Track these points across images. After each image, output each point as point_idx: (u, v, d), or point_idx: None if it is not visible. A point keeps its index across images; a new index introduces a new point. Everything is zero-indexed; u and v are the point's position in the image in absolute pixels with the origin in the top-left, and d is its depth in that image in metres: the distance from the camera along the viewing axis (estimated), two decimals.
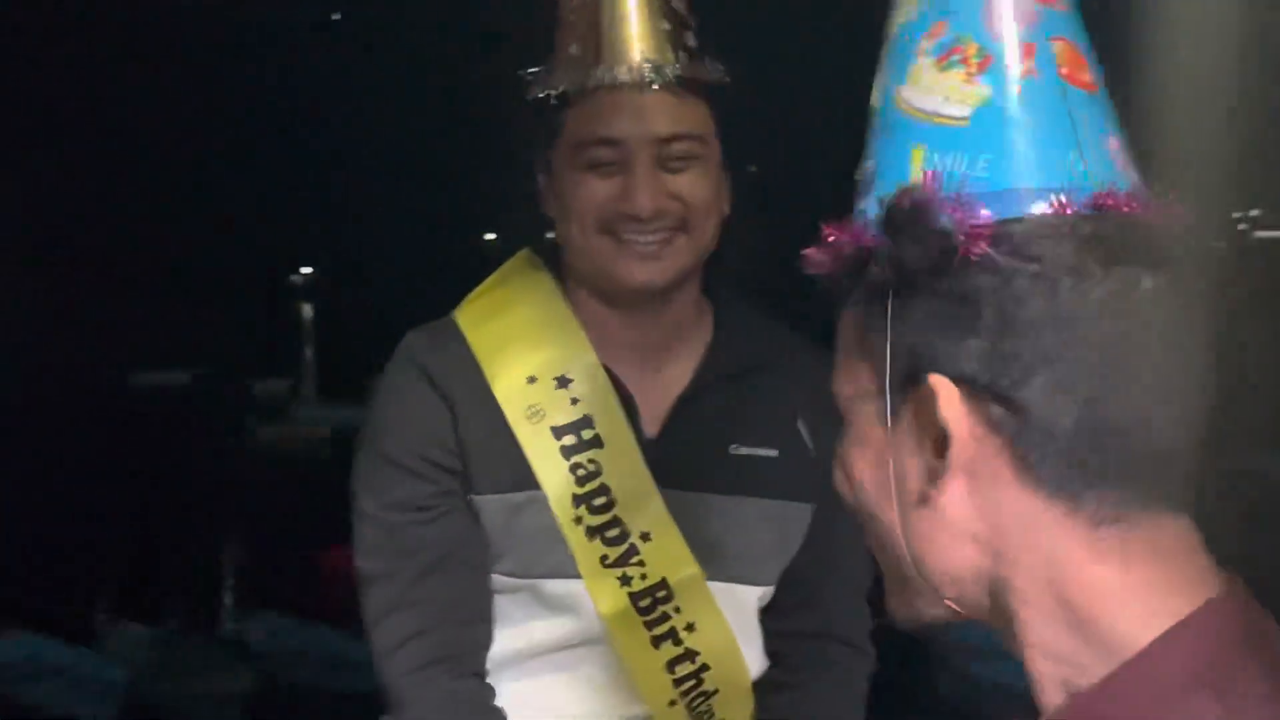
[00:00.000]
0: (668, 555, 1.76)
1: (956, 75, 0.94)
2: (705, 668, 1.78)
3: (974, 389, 0.87)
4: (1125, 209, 0.90)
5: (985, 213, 0.89)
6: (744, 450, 1.79)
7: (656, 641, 1.77)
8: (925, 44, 0.95)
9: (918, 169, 0.93)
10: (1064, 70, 0.95)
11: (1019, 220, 0.89)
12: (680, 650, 1.77)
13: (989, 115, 0.93)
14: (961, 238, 0.88)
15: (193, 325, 36.22)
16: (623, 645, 1.76)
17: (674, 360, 1.81)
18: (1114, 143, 0.95)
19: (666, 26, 1.71)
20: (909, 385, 0.90)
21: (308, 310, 52.24)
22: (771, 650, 1.87)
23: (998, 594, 0.91)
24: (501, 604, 1.79)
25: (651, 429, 1.79)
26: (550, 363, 1.78)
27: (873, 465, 0.93)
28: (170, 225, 50.18)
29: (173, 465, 19.37)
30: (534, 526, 1.75)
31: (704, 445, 1.78)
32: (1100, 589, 0.88)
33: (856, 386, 0.95)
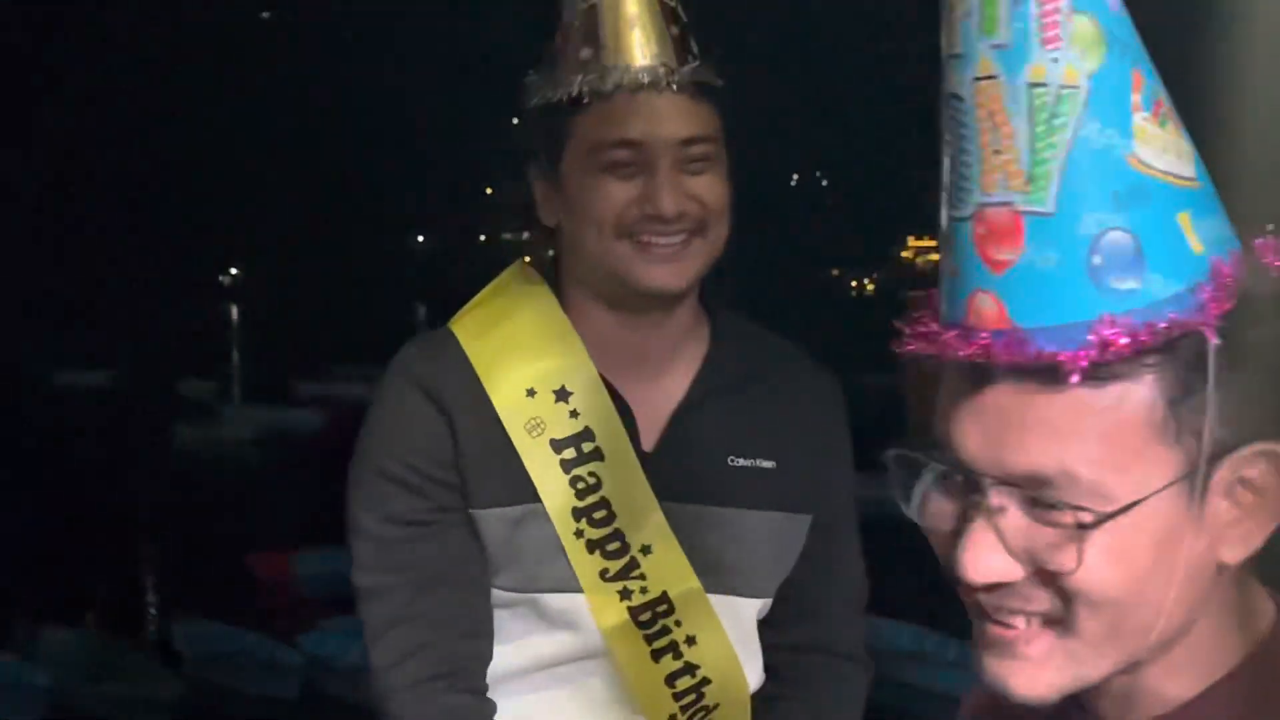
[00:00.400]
0: (668, 569, 1.75)
1: (1172, 131, 0.89)
2: (706, 681, 1.77)
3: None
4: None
5: None
6: (742, 462, 1.79)
7: (657, 655, 1.75)
8: (1135, 98, 0.87)
9: (1194, 239, 0.89)
10: None
11: None
12: (680, 664, 1.76)
13: (1202, 171, 0.90)
14: None
15: (118, 324, 35.71)
16: (623, 659, 1.75)
17: (671, 371, 1.80)
18: None
19: (675, 31, 1.70)
20: (1218, 459, 0.88)
21: (234, 311, 51.65)
22: (769, 663, 1.86)
23: (1176, 638, 0.92)
24: (501, 618, 1.78)
25: (650, 442, 1.78)
26: (550, 375, 1.76)
27: (1159, 550, 0.88)
28: (96, 223, 49.46)
29: (97, 466, 19.08)
30: (534, 540, 1.73)
31: (702, 457, 1.78)
32: (1231, 612, 0.91)
33: (1151, 479, 0.87)
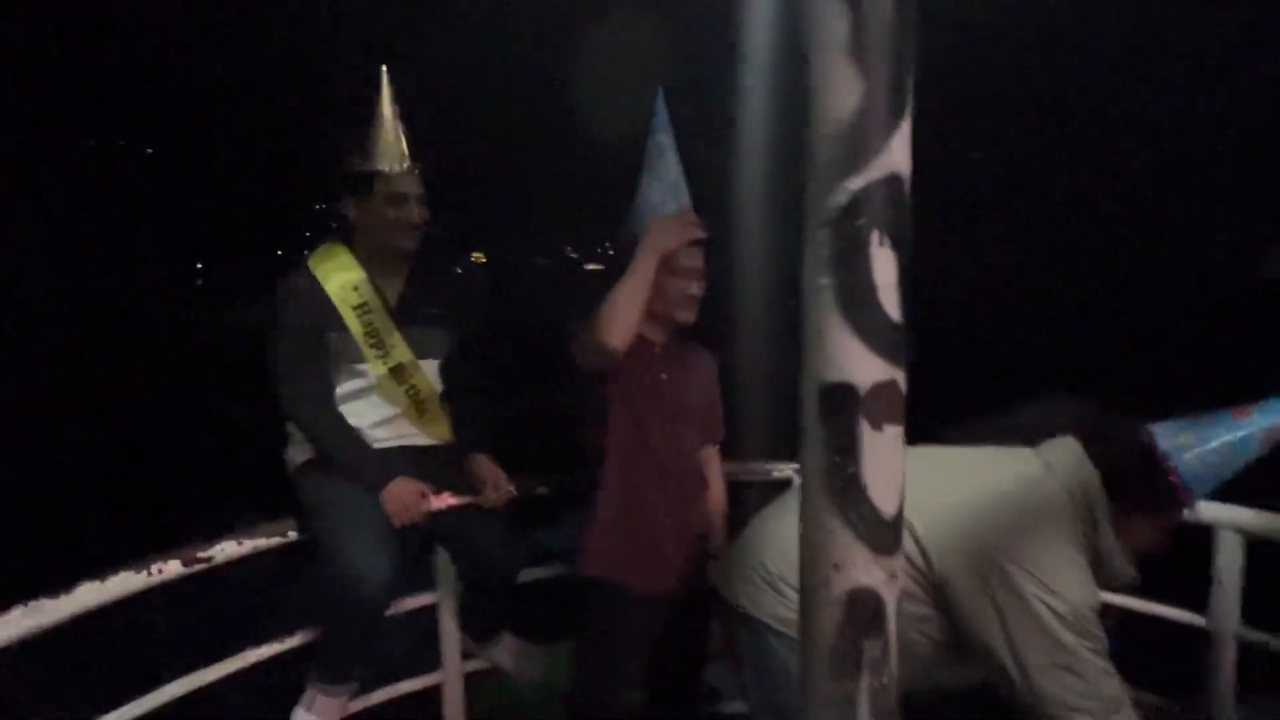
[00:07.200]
0: (400, 352, 3.72)
1: None
2: (420, 391, 3.78)
3: None
4: None
5: None
6: (429, 310, 3.79)
7: (399, 383, 3.72)
8: None
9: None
10: None
11: None
12: (409, 384, 3.74)
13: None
14: None
15: None
16: (387, 388, 3.72)
17: (400, 273, 3.78)
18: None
19: (407, 146, 3.68)
20: None
21: None
22: (447, 394, 3.85)
23: None
24: (335, 375, 3.68)
25: (393, 302, 3.73)
26: (350, 281, 3.68)
27: None
28: None
29: None
30: (350, 345, 3.65)
31: (415, 311, 3.75)
32: None
33: None
